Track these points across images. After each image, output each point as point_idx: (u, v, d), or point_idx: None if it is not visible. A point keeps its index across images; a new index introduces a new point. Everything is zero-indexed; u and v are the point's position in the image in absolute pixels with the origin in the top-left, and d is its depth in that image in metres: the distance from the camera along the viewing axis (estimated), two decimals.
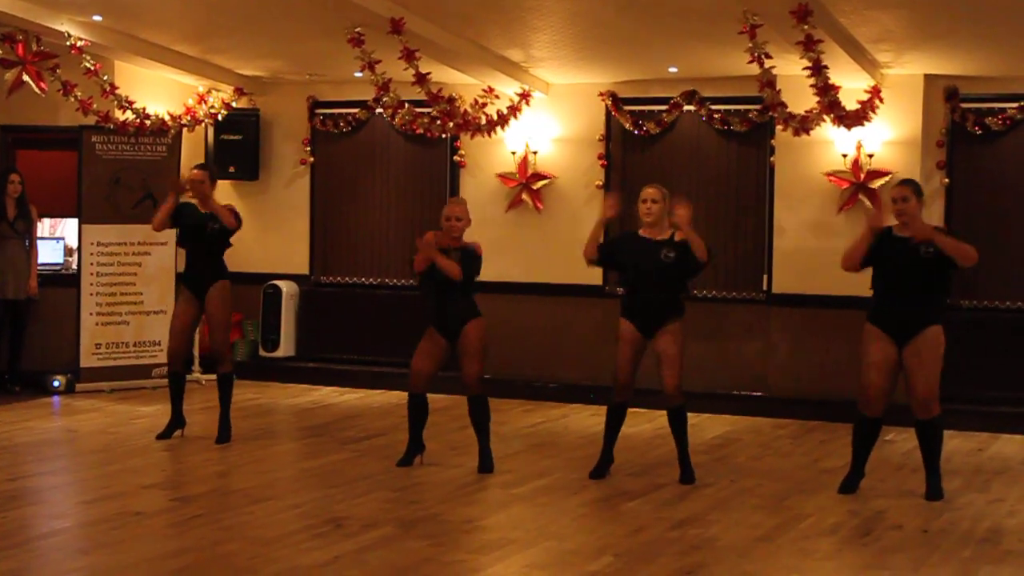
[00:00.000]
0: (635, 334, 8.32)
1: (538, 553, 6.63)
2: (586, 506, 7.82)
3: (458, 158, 12.49)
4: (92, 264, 11.94)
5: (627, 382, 8.37)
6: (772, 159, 11.38)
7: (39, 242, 12.08)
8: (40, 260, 12.01)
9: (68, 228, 12.92)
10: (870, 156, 10.90)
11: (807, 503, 7.86)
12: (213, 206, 9.41)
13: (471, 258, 8.53)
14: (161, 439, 9.53)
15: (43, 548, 6.64)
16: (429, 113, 11.17)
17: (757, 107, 11.04)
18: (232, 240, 9.64)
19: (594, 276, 11.29)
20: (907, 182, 8.12)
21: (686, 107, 11.69)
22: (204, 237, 9.47)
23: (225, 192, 13.20)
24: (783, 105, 9.96)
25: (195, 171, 9.66)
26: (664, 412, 8.44)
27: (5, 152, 12.31)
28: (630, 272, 8.43)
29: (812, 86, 9.51)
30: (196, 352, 12.39)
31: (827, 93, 9.60)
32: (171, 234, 11.02)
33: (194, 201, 9.56)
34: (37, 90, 11.24)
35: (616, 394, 8.45)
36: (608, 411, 8.51)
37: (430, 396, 8.71)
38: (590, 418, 10.70)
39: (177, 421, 9.64)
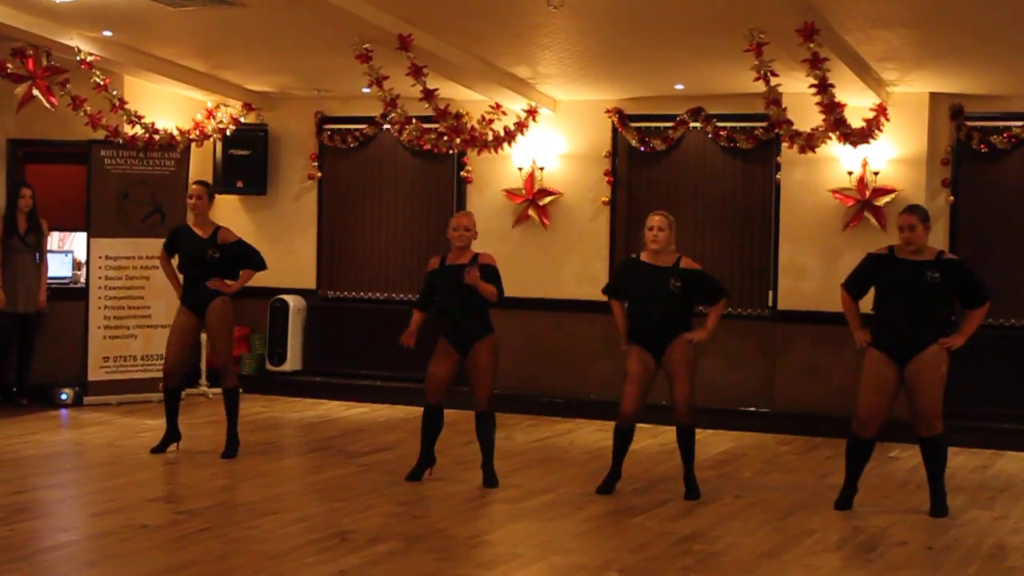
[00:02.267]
0: (646, 359, 8.34)
1: (543, 568, 6.65)
2: (591, 521, 7.83)
3: (465, 174, 12.53)
4: (100, 278, 11.99)
5: (634, 408, 8.38)
6: (778, 176, 11.41)
7: (48, 255, 12.12)
8: (49, 273, 12.06)
9: (77, 242, 12.99)
10: (875, 174, 10.93)
11: (812, 519, 7.88)
12: (243, 274, 9.52)
13: (496, 275, 8.59)
14: (156, 453, 9.53)
15: (50, 560, 6.67)
16: (436, 129, 11.21)
17: (763, 124, 11.08)
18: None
19: (600, 291, 11.33)
20: (913, 209, 8.07)
21: (692, 124, 11.73)
22: (204, 265, 9.46)
23: (233, 207, 13.29)
24: (789, 122, 9.99)
25: (193, 186, 9.71)
26: (669, 428, 8.45)
27: (15, 166, 12.36)
28: (639, 300, 8.44)
29: (818, 104, 9.55)
30: (203, 366, 12.44)
31: (833, 111, 9.63)
32: None
33: (196, 228, 9.56)
34: (47, 104, 11.30)
35: (622, 420, 8.44)
36: (615, 433, 8.50)
37: None
38: (596, 433, 10.72)
39: (172, 435, 9.62)
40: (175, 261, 9.75)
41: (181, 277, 9.64)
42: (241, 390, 9.79)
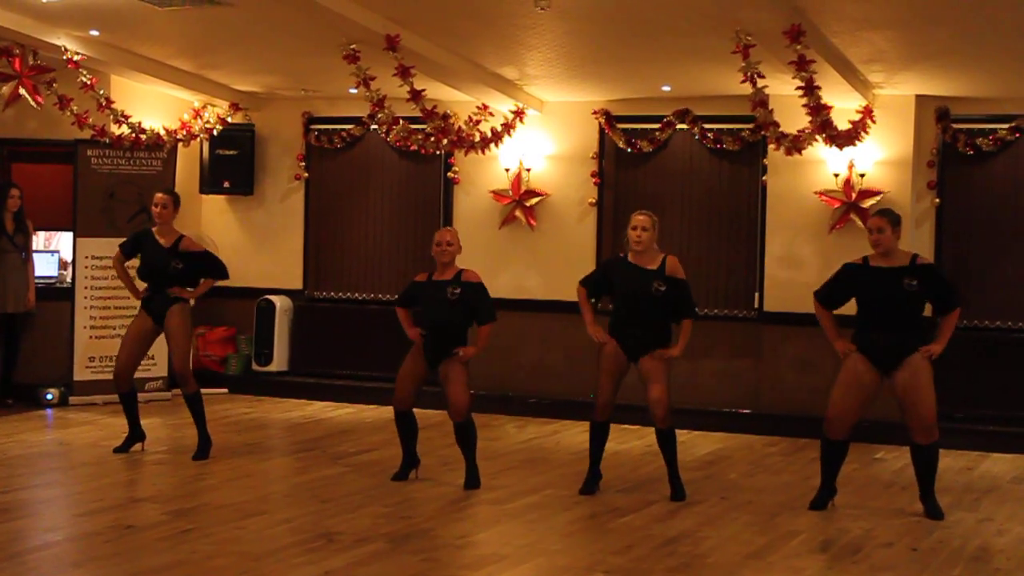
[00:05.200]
0: (620, 355, 8.35)
1: (529, 570, 6.65)
2: (577, 522, 7.84)
3: (452, 175, 12.53)
4: (86, 277, 11.97)
5: (608, 401, 8.41)
6: (764, 178, 11.43)
7: (34, 255, 12.07)
8: (35, 273, 12.02)
9: (63, 241, 12.95)
10: (862, 176, 10.96)
11: (798, 520, 7.89)
12: (204, 282, 9.55)
13: (482, 292, 8.60)
14: (118, 452, 9.52)
15: (35, 561, 6.65)
16: (423, 130, 11.21)
17: (749, 126, 11.10)
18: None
19: None
20: (884, 213, 8.08)
21: (679, 125, 11.75)
22: (165, 274, 9.40)
23: (219, 207, 13.28)
24: (775, 124, 10.02)
25: (159, 195, 9.57)
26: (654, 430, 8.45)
27: (0, 165, 12.33)
28: (622, 300, 8.45)
29: (804, 106, 9.58)
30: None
31: (819, 113, 9.66)
32: None
33: (159, 236, 9.46)
34: (33, 103, 11.28)
35: (597, 414, 8.47)
36: (591, 429, 8.54)
37: (421, 411, 8.73)
38: (581, 434, 10.65)
39: (135, 435, 9.63)
40: (136, 267, 9.69)
41: (142, 286, 9.58)
42: (201, 391, 9.64)
